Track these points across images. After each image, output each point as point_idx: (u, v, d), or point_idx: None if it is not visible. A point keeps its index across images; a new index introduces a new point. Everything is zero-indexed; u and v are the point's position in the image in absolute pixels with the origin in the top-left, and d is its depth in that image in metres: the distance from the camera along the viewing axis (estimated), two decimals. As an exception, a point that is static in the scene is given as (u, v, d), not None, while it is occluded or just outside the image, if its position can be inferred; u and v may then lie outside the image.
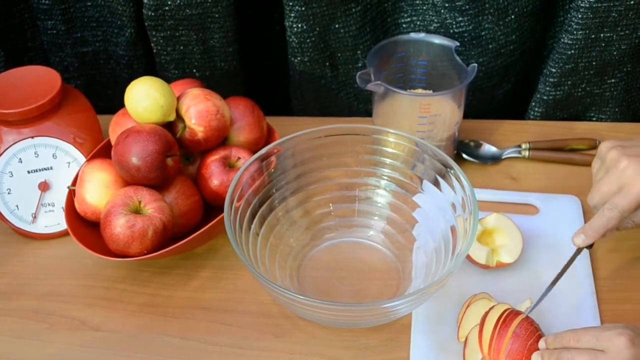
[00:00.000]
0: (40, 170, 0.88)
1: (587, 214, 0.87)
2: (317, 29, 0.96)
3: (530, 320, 0.70)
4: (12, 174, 0.87)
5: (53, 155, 0.88)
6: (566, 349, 0.65)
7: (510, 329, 0.68)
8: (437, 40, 0.91)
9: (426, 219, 0.82)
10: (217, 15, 0.96)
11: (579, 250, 0.73)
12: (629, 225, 0.73)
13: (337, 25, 0.96)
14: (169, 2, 0.95)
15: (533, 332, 0.68)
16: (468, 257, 0.79)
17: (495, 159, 0.97)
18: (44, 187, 0.88)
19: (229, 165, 0.85)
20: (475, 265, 0.80)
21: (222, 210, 0.75)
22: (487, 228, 0.81)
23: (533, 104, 1.02)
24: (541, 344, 0.68)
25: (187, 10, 0.95)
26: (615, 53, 0.95)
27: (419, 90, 0.95)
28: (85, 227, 0.83)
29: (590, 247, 0.73)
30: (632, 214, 0.71)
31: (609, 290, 0.79)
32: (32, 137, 0.86)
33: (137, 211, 0.79)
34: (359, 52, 1.00)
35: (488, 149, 0.98)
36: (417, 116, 0.87)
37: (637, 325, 0.65)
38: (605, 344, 0.63)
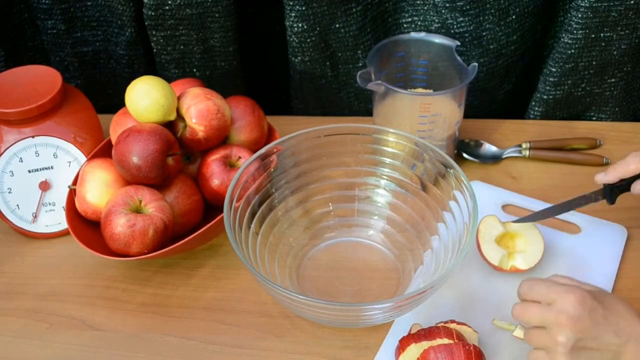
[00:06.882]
0: (40, 169, 0.88)
1: (629, 240, 0.84)
2: (318, 28, 0.96)
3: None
4: (12, 173, 0.87)
5: (54, 155, 0.88)
6: (524, 303, 0.66)
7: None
8: (438, 39, 0.91)
9: (426, 219, 0.82)
10: (217, 15, 0.96)
11: (599, 194, 0.77)
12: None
13: (337, 25, 0.96)
14: (169, 2, 0.95)
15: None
16: (482, 256, 0.79)
17: (495, 159, 0.97)
18: (45, 186, 0.88)
19: (229, 164, 0.85)
20: (489, 266, 0.79)
21: (222, 210, 0.75)
22: (509, 232, 0.81)
23: (533, 103, 1.02)
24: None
25: (187, 10, 0.95)
26: (615, 53, 0.95)
27: (420, 90, 0.95)
28: (86, 227, 0.84)
29: (612, 201, 0.77)
30: None
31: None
32: (33, 137, 0.86)
33: (137, 210, 0.79)
34: (359, 51, 1.00)
35: (488, 148, 0.98)
36: (417, 115, 0.87)
37: (599, 288, 0.65)
38: (554, 296, 0.63)
